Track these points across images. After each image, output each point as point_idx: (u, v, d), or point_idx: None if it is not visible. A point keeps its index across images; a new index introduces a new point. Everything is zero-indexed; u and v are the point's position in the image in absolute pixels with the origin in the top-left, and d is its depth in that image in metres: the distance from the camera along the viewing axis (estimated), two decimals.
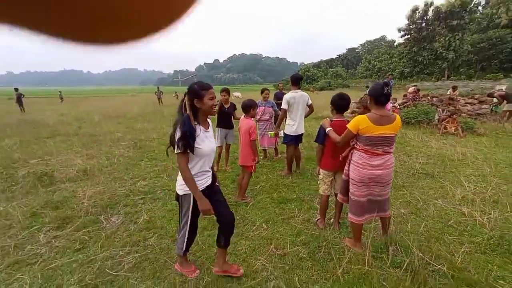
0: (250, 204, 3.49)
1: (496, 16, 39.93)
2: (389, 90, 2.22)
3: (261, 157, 5.16)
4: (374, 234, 2.59)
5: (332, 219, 2.97)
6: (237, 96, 24.56)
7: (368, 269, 2.16)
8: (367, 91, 2.35)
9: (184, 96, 1.98)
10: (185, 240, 2.15)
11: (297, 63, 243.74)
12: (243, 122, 3.46)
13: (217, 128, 4.64)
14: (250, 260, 2.40)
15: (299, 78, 4.33)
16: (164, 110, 14.80)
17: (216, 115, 4.59)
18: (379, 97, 2.22)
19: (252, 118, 3.51)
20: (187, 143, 1.89)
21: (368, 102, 2.33)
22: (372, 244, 2.41)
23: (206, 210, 1.98)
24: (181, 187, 2.07)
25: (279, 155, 5.49)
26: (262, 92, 5.33)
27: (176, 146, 1.93)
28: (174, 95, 26.18)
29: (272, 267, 2.29)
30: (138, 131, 8.66)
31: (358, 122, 2.23)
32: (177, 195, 2.13)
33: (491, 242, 2.56)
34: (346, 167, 2.47)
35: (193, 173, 2.00)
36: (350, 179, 2.40)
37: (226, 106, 4.64)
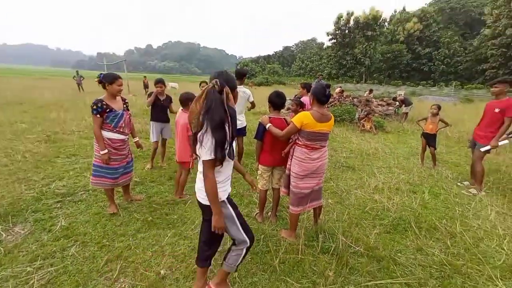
0: (189, 201, 3.38)
1: (396, 33, 48.41)
2: (329, 92, 2.43)
3: None
4: (306, 224, 2.85)
5: (270, 213, 3.13)
6: (174, 87, 22.91)
7: (301, 257, 2.38)
8: (312, 90, 2.50)
9: (216, 85, 1.50)
10: (243, 254, 1.82)
11: (236, 56, 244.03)
12: (180, 116, 3.29)
13: (151, 122, 4.41)
14: (190, 260, 2.34)
15: (243, 74, 4.35)
16: (86, 98, 12.86)
17: (150, 107, 4.37)
18: (322, 97, 2.42)
19: None
20: (229, 151, 1.54)
21: (311, 100, 2.50)
22: (304, 233, 2.65)
23: (221, 228, 1.65)
24: (219, 194, 1.64)
25: None
26: (200, 84, 5.22)
27: (209, 151, 1.49)
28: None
29: (212, 265, 2.28)
30: (52, 122, 7.32)
31: (302, 118, 2.37)
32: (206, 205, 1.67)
33: (394, 222, 3.11)
34: (288, 163, 2.63)
35: (221, 179, 1.65)
36: (292, 173, 2.56)
37: (162, 98, 4.38)
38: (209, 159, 1.51)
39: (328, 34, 49.10)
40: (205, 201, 1.66)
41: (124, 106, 2.97)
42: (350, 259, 2.40)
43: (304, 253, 2.42)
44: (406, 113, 10.78)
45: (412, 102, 11.16)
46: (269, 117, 2.80)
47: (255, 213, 3.14)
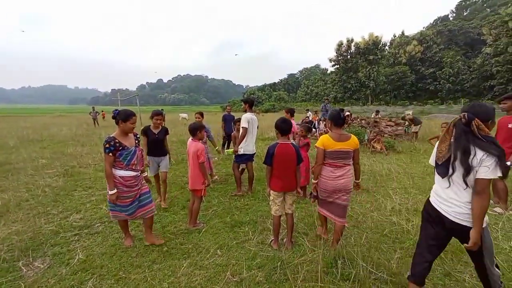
0: (203, 230, 3.36)
1: (398, 55, 49.63)
2: (344, 115, 2.79)
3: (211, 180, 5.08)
4: (323, 249, 2.76)
5: (285, 239, 3.06)
6: (184, 117, 23.72)
7: (321, 285, 2.28)
8: (327, 115, 2.84)
9: (463, 118, 1.66)
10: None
11: (242, 85, 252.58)
12: (191, 145, 3.41)
13: (148, 157, 4.05)
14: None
15: (253, 101, 4.89)
16: (101, 132, 13.41)
17: (145, 141, 4.00)
18: (337, 120, 2.76)
19: (200, 141, 3.48)
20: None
21: (329, 124, 2.84)
22: (322, 259, 2.57)
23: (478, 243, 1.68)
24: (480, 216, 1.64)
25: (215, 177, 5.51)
26: (195, 115, 5.26)
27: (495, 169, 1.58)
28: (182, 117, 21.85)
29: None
30: (69, 157, 7.62)
31: (322, 140, 2.74)
32: (465, 227, 1.71)
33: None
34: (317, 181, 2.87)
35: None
36: (320, 189, 2.87)
37: (156, 131, 4.05)
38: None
39: (330, 60, 50.71)
40: (471, 223, 1.68)
41: (136, 142, 2.91)
42: (372, 286, 2.29)
43: (324, 280, 2.32)
44: (416, 132, 10.68)
45: (421, 121, 11.11)
46: (277, 143, 2.87)
47: (270, 240, 3.08)
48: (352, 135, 2.78)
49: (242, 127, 4.46)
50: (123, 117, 2.72)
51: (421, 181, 5.47)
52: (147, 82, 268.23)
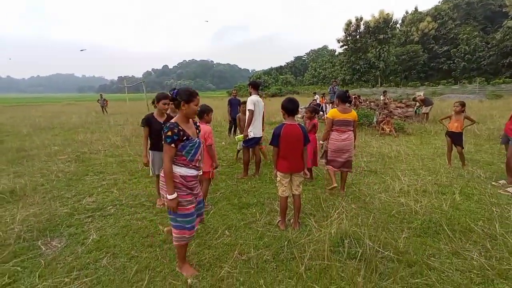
0: (211, 211, 3.43)
1: (410, 33, 47.32)
2: (348, 95, 3.85)
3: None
4: (330, 229, 2.78)
5: (292, 219, 3.10)
6: None
7: (327, 263, 2.32)
8: (330, 97, 3.25)
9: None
10: None
11: (248, 69, 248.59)
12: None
13: (150, 152, 3.46)
14: (215, 269, 2.35)
15: (258, 84, 4.80)
16: (110, 119, 13.58)
17: (146, 133, 3.40)
18: (343, 98, 3.79)
19: (208, 124, 3.46)
20: None
21: (337, 101, 3.85)
22: (329, 239, 2.60)
23: None
24: None
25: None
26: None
27: None
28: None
29: (238, 273, 2.29)
30: (80, 143, 7.78)
31: (332, 112, 3.79)
32: None
33: (423, 225, 2.97)
34: (326, 144, 3.88)
35: None
36: (329, 149, 3.85)
37: (161, 119, 3.39)
38: None
39: (338, 41, 48.94)
40: None
41: (197, 131, 2.32)
42: (379, 264, 2.31)
43: (331, 259, 2.36)
44: (427, 114, 10.38)
45: (432, 102, 10.77)
46: (284, 124, 2.84)
47: (277, 221, 3.12)
48: (352, 109, 3.82)
49: (248, 109, 4.40)
50: (186, 97, 2.12)
51: (431, 162, 5.38)
52: (152, 69, 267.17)
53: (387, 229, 2.91)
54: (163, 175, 2.12)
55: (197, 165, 2.23)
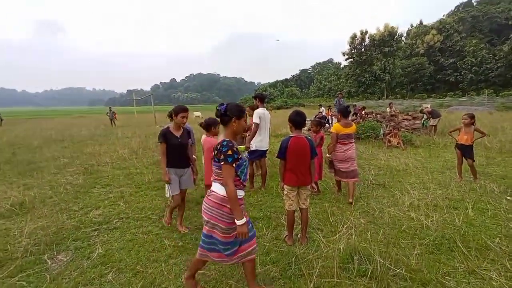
0: None
1: (415, 46, 47.59)
2: (350, 110, 4.08)
3: None
4: (339, 245, 2.71)
5: (300, 234, 3.03)
6: (198, 115, 23.31)
7: (337, 281, 2.24)
8: (336, 109, 3.40)
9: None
10: None
11: (254, 82, 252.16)
12: (205, 141, 3.44)
13: (168, 169, 3.13)
14: (221, 286, 2.30)
15: (265, 96, 4.88)
16: (118, 131, 13.82)
17: (164, 149, 3.08)
18: (344, 113, 4.24)
19: (215, 136, 3.48)
20: None
21: (339, 116, 4.26)
22: (338, 255, 2.52)
23: None
24: None
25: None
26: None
27: None
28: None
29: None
30: (88, 156, 7.90)
31: (335, 127, 4.14)
32: None
33: (436, 242, 2.87)
34: (331, 155, 4.17)
35: None
36: (334, 160, 4.17)
37: (178, 133, 3.13)
38: None
39: (344, 54, 49.41)
40: None
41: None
42: (391, 282, 2.22)
43: (340, 276, 2.28)
44: (435, 126, 10.24)
45: (440, 114, 10.64)
46: (291, 136, 2.83)
47: (284, 236, 3.06)
48: (353, 123, 4.28)
49: (254, 123, 4.43)
50: (238, 113, 1.95)
51: (441, 175, 5.26)
52: (160, 82, 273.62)
53: (398, 245, 2.81)
54: (210, 198, 1.98)
55: (245, 185, 2.08)
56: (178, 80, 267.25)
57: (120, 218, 3.67)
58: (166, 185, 3.21)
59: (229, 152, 1.82)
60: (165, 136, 3.07)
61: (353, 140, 4.15)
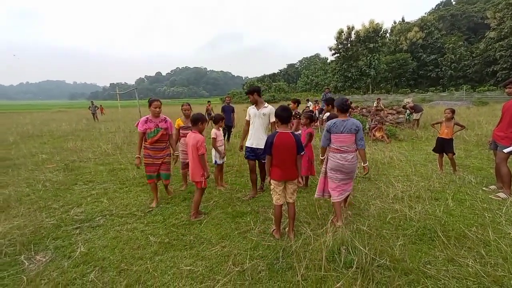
0: (205, 221, 3.35)
1: (399, 42, 48.81)
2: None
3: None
4: (326, 238, 2.74)
5: (287, 228, 3.04)
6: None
7: (324, 273, 2.27)
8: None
9: None
10: None
11: (241, 77, 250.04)
12: (190, 136, 3.36)
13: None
14: (208, 282, 2.27)
15: (259, 89, 4.27)
16: (101, 126, 13.35)
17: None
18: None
19: (201, 133, 3.41)
20: None
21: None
22: (325, 247, 2.55)
23: None
24: None
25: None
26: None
27: None
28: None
29: (232, 285, 2.21)
30: (70, 151, 7.60)
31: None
32: None
33: (418, 232, 2.96)
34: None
35: None
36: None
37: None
38: None
39: (330, 49, 49.80)
40: None
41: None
42: (376, 273, 2.28)
43: (327, 268, 2.31)
44: (418, 120, 10.57)
45: (422, 109, 10.97)
46: (277, 132, 2.82)
47: (271, 230, 3.06)
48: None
49: (246, 119, 4.28)
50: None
51: (423, 168, 5.43)
52: (145, 76, 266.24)
53: (382, 237, 2.88)
54: None
55: None
56: (163, 74, 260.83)
57: (104, 216, 3.55)
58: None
59: None
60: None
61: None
